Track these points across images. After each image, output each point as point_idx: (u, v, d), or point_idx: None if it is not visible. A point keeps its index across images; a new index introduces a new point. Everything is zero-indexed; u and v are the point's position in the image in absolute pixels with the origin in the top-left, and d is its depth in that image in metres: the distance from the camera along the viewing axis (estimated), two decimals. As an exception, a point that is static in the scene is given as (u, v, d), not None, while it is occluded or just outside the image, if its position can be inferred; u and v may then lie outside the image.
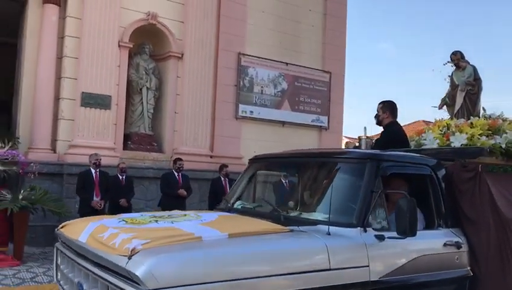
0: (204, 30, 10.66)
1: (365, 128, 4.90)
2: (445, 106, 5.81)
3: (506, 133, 4.31)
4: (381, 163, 3.26)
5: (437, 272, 3.29)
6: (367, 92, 57.27)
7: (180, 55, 10.35)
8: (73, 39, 9.16)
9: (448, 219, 3.56)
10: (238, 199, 3.81)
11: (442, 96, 5.79)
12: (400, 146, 4.11)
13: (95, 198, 7.27)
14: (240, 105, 11.50)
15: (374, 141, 4.34)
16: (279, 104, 12.32)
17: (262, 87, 12.04)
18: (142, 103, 10.08)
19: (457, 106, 5.59)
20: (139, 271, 2.22)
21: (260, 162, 3.94)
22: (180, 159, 8.49)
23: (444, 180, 3.60)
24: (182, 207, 7.69)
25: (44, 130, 8.93)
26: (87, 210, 7.00)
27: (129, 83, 9.97)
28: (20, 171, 7.32)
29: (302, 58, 12.73)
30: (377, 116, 4.55)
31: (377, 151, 3.57)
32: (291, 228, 2.97)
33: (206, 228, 2.74)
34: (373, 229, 3.10)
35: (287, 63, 12.40)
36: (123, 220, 3.03)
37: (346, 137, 16.02)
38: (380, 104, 4.58)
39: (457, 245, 3.47)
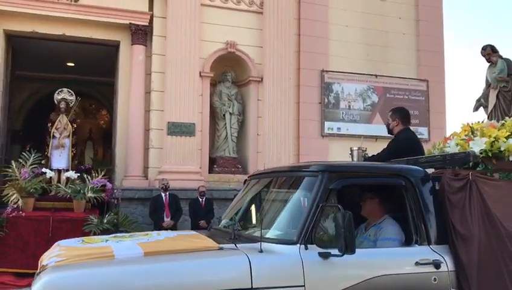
0: (284, 52, 10.83)
1: (362, 138, 4.61)
2: (481, 108, 5.16)
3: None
4: (334, 176, 3.03)
5: None
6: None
7: (259, 79, 10.65)
8: (159, 74, 10.01)
9: (430, 235, 3.15)
10: (227, 217, 3.84)
11: (477, 97, 5.15)
12: (410, 154, 3.79)
13: (165, 219, 7.80)
14: (325, 122, 11.39)
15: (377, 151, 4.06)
16: (370, 118, 11.92)
17: (349, 102, 11.79)
18: (225, 127, 10.55)
19: (490, 106, 4.93)
20: (35, 287, 2.44)
21: (250, 180, 3.94)
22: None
23: (432, 191, 3.23)
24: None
25: (137, 159, 9.82)
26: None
27: (213, 109, 10.54)
28: (105, 197, 8.15)
29: (394, 68, 12.20)
30: (387, 125, 4.28)
31: (332, 164, 3.35)
32: (225, 245, 2.93)
33: (132, 247, 2.86)
34: (318, 246, 2.89)
35: (376, 75, 12.00)
36: (82, 240, 3.31)
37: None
38: (389, 112, 4.31)
39: (436, 264, 3.06)
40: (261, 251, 2.80)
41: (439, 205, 3.23)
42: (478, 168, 3.66)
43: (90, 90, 14.52)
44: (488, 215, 3.05)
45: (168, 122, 9.83)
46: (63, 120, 9.06)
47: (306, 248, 2.86)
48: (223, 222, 3.73)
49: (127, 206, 9.46)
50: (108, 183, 8.39)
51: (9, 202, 7.65)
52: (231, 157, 10.52)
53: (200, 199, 8.66)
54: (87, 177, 8.56)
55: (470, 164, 3.71)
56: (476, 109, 5.51)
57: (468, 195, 3.07)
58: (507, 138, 3.68)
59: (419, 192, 3.19)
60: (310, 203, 2.95)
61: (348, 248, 2.66)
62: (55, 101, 9.22)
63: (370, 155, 4.20)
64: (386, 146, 4.15)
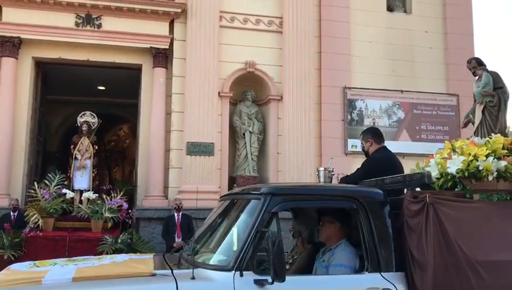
0: (304, 70, 10.77)
1: (331, 159, 4.45)
2: (471, 124, 4.88)
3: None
4: (278, 199, 2.92)
5: None
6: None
7: (279, 98, 10.63)
8: (179, 96, 10.18)
9: (382, 262, 2.97)
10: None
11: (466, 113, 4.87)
12: (385, 173, 3.64)
13: (176, 239, 7.84)
14: (348, 140, 11.18)
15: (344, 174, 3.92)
16: (396, 135, 11.60)
17: (373, 119, 11.54)
18: (245, 146, 10.56)
19: (476, 122, 4.64)
20: None
21: (219, 200, 3.89)
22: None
23: (388, 215, 3.06)
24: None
25: (157, 179, 9.97)
26: (170, 251, 7.58)
27: (233, 129, 10.59)
28: (120, 217, 8.30)
29: (421, 83, 11.87)
30: (362, 149, 4.15)
31: (278, 186, 3.23)
32: (160, 271, 2.89)
33: (67, 272, 2.85)
34: (255, 273, 2.78)
35: (402, 91, 11.71)
36: (34, 263, 3.36)
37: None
38: (360, 135, 4.18)
39: None
40: (193, 278, 2.73)
41: (398, 229, 3.06)
42: (456, 189, 3.47)
43: (121, 112, 14.98)
44: (446, 241, 2.84)
45: (188, 143, 9.96)
46: (84, 142, 9.37)
47: (241, 275, 2.76)
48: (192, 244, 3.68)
49: (147, 225, 9.61)
50: (124, 203, 8.55)
51: (29, 222, 7.93)
52: (251, 177, 10.48)
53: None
54: (106, 198, 8.77)
55: (449, 184, 3.53)
56: (464, 125, 5.24)
57: (425, 219, 2.88)
58: (487, 156, 3.48)
59: (372, 216, 3.02)
60: (249, 227, 2.86)
61: (278, 275, 2.55)
62: (78, 124, 9.56)
63: (344, 175, 4.08)
64: (360, 166, 4.02)
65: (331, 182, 3.84)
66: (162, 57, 10.28)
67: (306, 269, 3.40)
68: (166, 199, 9.94)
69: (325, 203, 3.15)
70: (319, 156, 10.90)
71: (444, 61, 12.13)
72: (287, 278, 2.66)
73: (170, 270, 2.93)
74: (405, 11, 12.31)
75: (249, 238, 2.82)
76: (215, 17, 10.40)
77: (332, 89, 11.28)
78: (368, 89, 11.50)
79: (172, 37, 10.31)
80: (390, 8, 12.20)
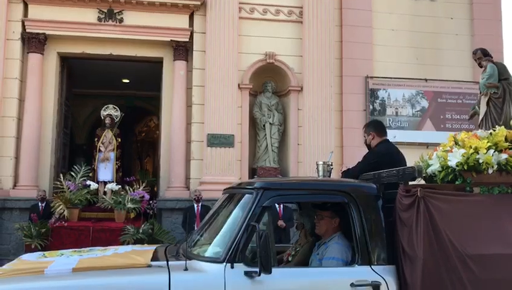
0: (324, 60, 10.69)
1: (331, 153, 4.42)
2: (477, 116, 4.76)
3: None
4: (270, 193, 2.97)
5: None
6: None
7: (299, 88, 10.60)
8: (199, 88, 10.29)
9: (372, 255, 2.98)
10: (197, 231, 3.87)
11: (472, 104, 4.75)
12: (386, 167, 3.63)
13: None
14: (370, 130, 11.04)
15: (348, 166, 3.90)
16: (420, 125, 11.42)
17: (396, 108, 11.38)
18: (266, 138, 10.59)
19: (481, 114, 4.54)
20: None
21: (222, 193, 3.94)
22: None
23: (381, 209, 3.06)
24: (286, 240, 7.89)
25: (179, 170, 10.14)
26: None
27: (254, 120, 10.64)
28: (141, 208, 8.51)
29: (445, 71, 11.60)
30: (365, 142, 4.13)
31: (271, 181, 3.25)
32: (156, 263, 2.99)
33: (69, 263, 2.98)
34: (246, 265, 2.84)
35: (426, 79, 11.49)
36: (43, 254, 3.52)
37: None
38: (363, 128, 4.16)
39: (374, 286, 2.88)
40: (185, 269, 2.82)
41: (390, 223, 3.06)
42: (457, 182, 3.43)
43: (146, 105, 15.24)
44: (437, 235, 2.82)
45: (208, 134, 10.07)
46: (108, 135, 9.61)
47: (232, 267, 2.84)
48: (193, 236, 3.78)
49: (169, 216, 9.81)
50: (146, 194, 8.75)
51: (55, 212, 8.22)
52: (272, 168, 10.53)
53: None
54: (128, 189, 9.00)
55: (450, 177, 3.50)
56: (470, 117, 5.13)
57: (415, 212, 2.87)
58: (488, 149, 3.42)
59: (363, 210, 3.03)
60: (241, 220, 2.93)
61: (264, 268, 2.61)
62: (102, 117, 9.80)
63: (345, 169, 4.07)
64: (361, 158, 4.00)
65: (329, 176, 3.85)
66: (183, 50, 10.40)
67: (306, 261, 3.45)
68: (188, 190, 10.09)
69: (316, 197, 3.18)
70: (340, 147, 10.84)
71: (470, 48, 11.69)
72: (277, 270, 2.71)
73: (166, 262, 3.04)
74: (429, -2, 12.03)
75: (241, 231, 2.89)
76: (234, 8, 10.43)
77: (354, 79, 11.16)
78: (390, 78, 11.33)
79: (192, 29, 10.40)
80: (414, -5, 11.93)
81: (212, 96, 10.16)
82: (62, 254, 3.39)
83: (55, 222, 8.07)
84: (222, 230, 3.03)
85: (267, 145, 10.60)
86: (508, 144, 3.49)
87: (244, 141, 10.37)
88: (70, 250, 3.71)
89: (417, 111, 11.45)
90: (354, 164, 4.23)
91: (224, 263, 2.86)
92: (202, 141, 10.16)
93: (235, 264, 2.84)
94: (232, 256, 2.85)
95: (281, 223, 8.21)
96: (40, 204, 8.92)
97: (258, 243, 2.64)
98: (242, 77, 10.43)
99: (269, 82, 10.76)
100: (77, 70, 11.55)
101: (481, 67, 4.90)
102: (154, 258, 3.16)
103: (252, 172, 10.53)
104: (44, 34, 9.89)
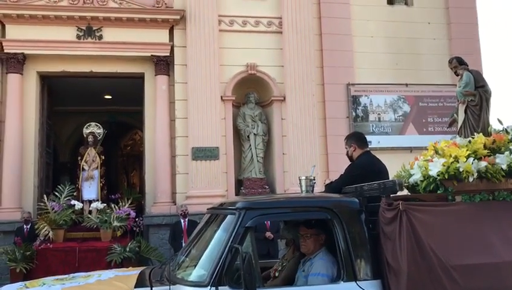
0: (305, 68, 10.76)
1: (313, 167, 4.44)
2: (456, 123, 4.83)
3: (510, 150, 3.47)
4: (252, 213, 2.96)
5: None
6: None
7: (282, 98, 10.65)
8: (182, 102, 10.27)
9: (357, 270, 2.98)
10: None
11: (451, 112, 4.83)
12: (368, 179, 3.64)
13: (183, 245, 7.92)
14: (354, 137, 11.12)
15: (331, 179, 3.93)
16: (403, 129, 11.55)
17: (379, 114, 11.49)
18: (251, 148, 10.60)
19: (459, 122, 4.60)
20: None
21: (206, 213, 3.92)
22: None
23: (364, 223, 3.08)
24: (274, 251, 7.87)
25: (165, 185, 10.08)
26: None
27: (238, 131, 10.65)
28: (128, 225, 8.43)
29: (425, 75, 11.77)
30: (346, 154, 4.15)
31: (253, 200, 3.25)
32: (140, 289, 2.96)
33: None
34: (231, 287, 2.81)
35: (406, 84, 11.64)
36: (24, 284, 3.46)
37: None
38: (344, 140, 4.19)
39: None
40: None
41: (375, 236, 3.07)
42: (439, 191, 3.46)
43: (130, 119, 15.16)
44: (420, 247, 2.83)
45: (193, 148, 10.04)
46: (91, 153, 9.52)
47: None
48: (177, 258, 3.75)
49: (156, 232, 9.74)
50: (132, 212, 8.67)
51: (39, 234, 8.10)
52: (258, 178, 10.53)
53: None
54: (114, 207, 8.91)
55: (431, 187, 3.52)
56: (449, 125, 5.20)
57: (398, 226, 2.89)
58: (468, 157, 3.46)
59: (346, 225, 3.03)
60: (224, 242, 2.91)
61: (247, 288, 2.60)
62: (84, 135, 9.72)
63: (329, 182, 4.09)
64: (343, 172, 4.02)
65: (312, 190, 3.85)
66: (164, 65, 10.38)
67: (292, 277, 3.44)
68: (175, 204, 10.03)
69: (299, 215, 3.18)
70: (325, 154, 10.90)
71: (448, 52, 11.94)
72: None
73: (149, 288, 2.99)
74: (406, 4, 12.22)
75: (224, 253, 2.87)
76: (214, 21, 10.46)
77: (336, 86, 11.24)
78: (371, 84, 11.44)
79: (173, 44, 10.40)
80: (390, 2, 12.11)
81: (195, 110, 10.14)
82: (44, 284, 3.33)
83: (40, 244, 7.93)
84: (206, 252, 3.00)
85: (252, 156, 10.61)
86: (487, 151, 3.53)
87: (229, 153, 10.36)
88: (53, 278, 3.65)
89: (399, 116, 11.57)
90: (339, 171, 4.26)
91: (209, 287, 2.82)
92: (187, 154, 10.13)
93: (219, 287, 2.82)
94: (217, 279, 2.82)
95: (268, 234, 8.17)
96: (25, 226, 8.79)
97: (242, 265, 2.63)
98: (224, 89, 10.44)
99: (252, 93, 10.79)
100: (58, 88, 11.44)
101: (457, 75, 4.96)
102: (138, 283, 3.12)
103: (238, 183, 10.52)
104: (23, 53, 9.80)
